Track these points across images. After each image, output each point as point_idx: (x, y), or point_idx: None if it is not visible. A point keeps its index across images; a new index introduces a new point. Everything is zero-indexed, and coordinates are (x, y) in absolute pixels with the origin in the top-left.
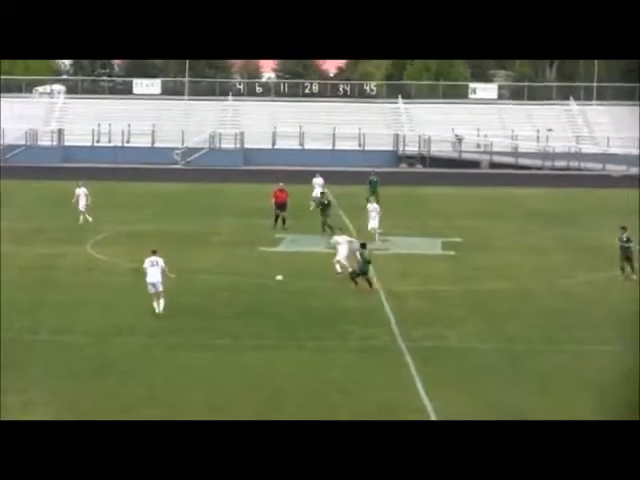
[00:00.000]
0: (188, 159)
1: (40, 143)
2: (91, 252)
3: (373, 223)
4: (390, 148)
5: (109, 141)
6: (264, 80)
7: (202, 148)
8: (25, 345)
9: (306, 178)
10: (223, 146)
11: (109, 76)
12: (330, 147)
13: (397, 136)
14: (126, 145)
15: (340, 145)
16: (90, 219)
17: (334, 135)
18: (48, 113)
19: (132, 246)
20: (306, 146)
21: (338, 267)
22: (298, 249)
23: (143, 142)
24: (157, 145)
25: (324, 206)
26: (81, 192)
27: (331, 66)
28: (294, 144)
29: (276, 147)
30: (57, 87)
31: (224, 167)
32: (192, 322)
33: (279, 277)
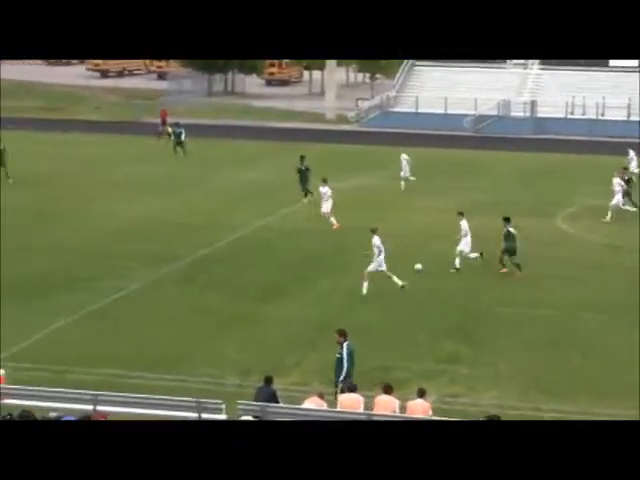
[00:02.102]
0: None
1: (512, 114)
2: (561, 225)
3: (616, 199)
4: None
5: (583, 113)
6: None
7: None
8: (495, 317)
9: None
10: None
11: None
12: None
13: None
14: (600, 118)
15: None
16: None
17: None
18: (521, 84)
19: (602, 221)
20: None
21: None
22: None
23: (618, 115)
24: (632, 119)
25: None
26: (403, 159)
27: None
28: None
29: None
30: None
31: None
32: None
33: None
